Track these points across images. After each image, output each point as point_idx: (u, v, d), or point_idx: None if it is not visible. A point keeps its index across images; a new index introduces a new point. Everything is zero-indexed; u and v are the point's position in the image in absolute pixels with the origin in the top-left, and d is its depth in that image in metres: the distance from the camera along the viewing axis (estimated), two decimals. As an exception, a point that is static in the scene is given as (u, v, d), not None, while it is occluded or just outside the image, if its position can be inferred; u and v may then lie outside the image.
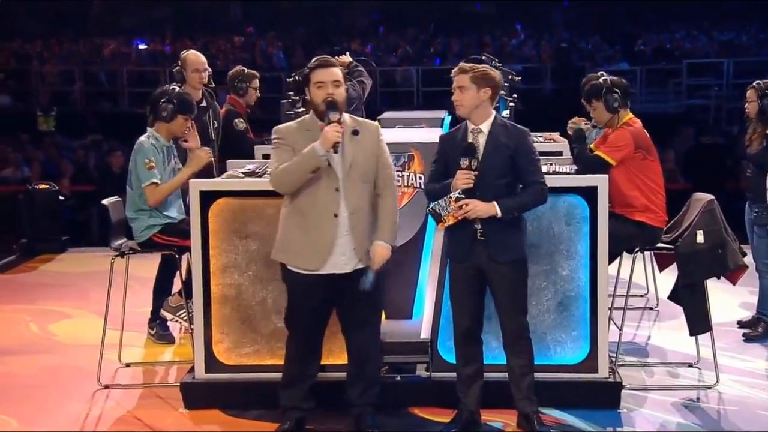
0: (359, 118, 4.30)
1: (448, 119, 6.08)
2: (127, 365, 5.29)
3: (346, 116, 4.17)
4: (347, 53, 6.37)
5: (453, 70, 4.22)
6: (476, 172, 4.07)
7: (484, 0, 24.12)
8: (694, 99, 16.64)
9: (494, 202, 4.08)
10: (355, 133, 4.09)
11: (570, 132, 5.40)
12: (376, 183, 4.16)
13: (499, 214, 4.08)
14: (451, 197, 4.08)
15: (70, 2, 22.52)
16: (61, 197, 8.97)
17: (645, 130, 5.13)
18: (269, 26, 22.32)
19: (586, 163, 5.02)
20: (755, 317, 5.77)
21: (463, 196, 4.07)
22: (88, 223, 10.34)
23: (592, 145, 5.21)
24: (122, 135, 11.18)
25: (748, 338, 5.67)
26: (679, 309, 4.99)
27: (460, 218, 4.09)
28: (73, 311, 6.61)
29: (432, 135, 5.15)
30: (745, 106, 5.65)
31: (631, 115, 5.15)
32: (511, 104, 5.50)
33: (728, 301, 6.30)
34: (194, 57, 5.92)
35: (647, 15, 22.11)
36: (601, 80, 5.12)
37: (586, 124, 5.58)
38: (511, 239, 4.17)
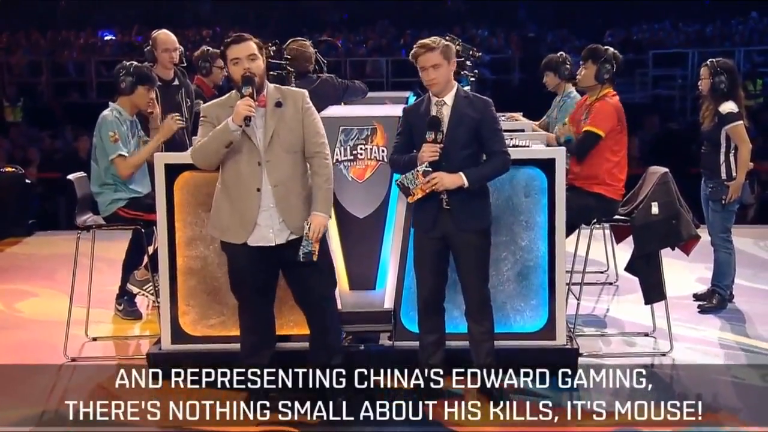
0: (285, 88, 4.27)
1: (411, 99, 6.17)
2: (94, 339, 5.34)
3: (271, 87, 4.16)
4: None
5: (414, 51, 4.25)
6: (441, 144, 4.14)
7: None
8: (659, 89, 16.87)
9: (461, 173, 4.14)
10: (278, 104, 4.09)
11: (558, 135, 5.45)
12: (304, 152, 4.13)
13: (466, 184, 4.14)
14: (418, 170, 4.14)
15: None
16: (27, 180, 8.96)
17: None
18: (238, 24, 22.24)
19: (578, 144, 5.13)
20: (710, 290, 5.92)
21: (430, 169, 4.13)
22: (56, 212, 10.30)
23: (566, 120, 5.33)
24: (91, 126, 11.11)
25: (703, 310, 5.82)
26: (638, 284, 5.12)
27: (428, 191, 4.16)
28: (40, 290, 6.63)
29: (394, 110, 5.23)
30: (699, 83, 5.81)
31: (610, 88, 5.26)
32: (472, 79, 5.60)
33: (685, 276, 6.45)
34: (165, 36, 5.92)
35: (616, 8, 22.33)
36: (604, 48, 5.26)
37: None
38: (476, 208, 4.24)
